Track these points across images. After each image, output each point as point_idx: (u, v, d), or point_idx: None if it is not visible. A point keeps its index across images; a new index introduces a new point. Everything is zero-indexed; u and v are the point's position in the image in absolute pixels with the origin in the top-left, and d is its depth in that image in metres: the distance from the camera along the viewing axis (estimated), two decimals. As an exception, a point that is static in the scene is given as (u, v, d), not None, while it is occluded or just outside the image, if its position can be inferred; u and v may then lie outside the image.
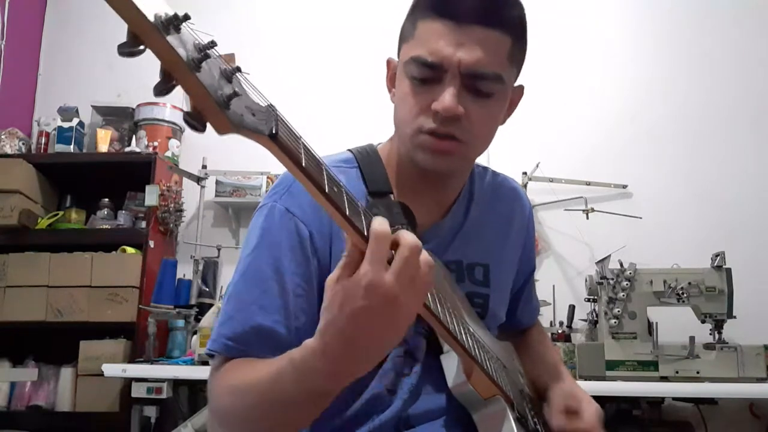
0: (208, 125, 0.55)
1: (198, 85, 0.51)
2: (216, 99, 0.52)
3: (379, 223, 0.67)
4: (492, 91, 0.96)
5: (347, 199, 0.68)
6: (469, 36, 0.92)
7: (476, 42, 0.92)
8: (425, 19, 0.95)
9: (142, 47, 0.48)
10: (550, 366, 1.19)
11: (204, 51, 0.51)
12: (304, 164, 0.63)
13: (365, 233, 0.68)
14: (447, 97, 0.92)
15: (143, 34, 0.47)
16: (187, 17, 0.49)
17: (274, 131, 0.59)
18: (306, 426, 0.85)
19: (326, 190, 0.65)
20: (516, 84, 1.04)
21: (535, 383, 1.18)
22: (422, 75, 0.95)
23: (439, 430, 0.99)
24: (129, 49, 0.47)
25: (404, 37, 1.00)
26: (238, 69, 0.55)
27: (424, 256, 0.69)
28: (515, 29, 0.97)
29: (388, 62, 1.07)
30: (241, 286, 0.94)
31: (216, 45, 0.52)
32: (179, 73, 0.50)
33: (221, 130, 0.55)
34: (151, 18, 0.47)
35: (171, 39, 0.48)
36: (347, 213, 0.67)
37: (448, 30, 0.93)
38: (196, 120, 0.53)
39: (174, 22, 0.48)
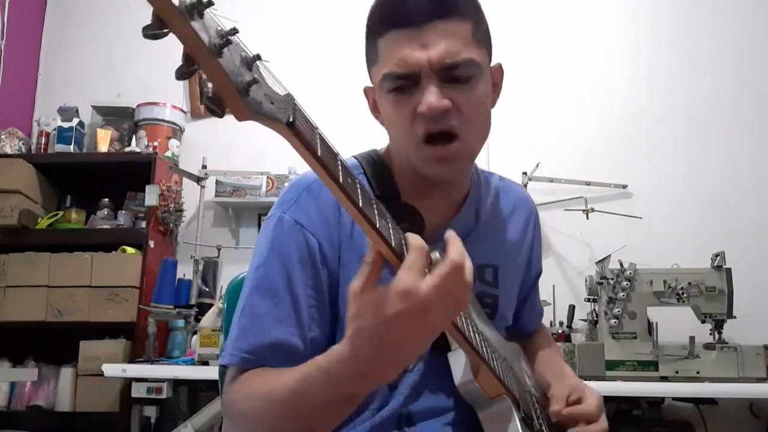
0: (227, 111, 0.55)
1: (219, 71, 0.52)
2: (236, 85, 0.53)
3: (417, 238, 0.71)
4: (469, 75, 0.95)
5: (361, 191, 0.69)
6: (430, 34, 0.92)
7: (439, 37, 0.92)
8: (383, 36, 0.96)
9: (166, 30, 0.49)
10: (555, 367, 1.20)
11: (226, 37, 0.52)
12: (319, 153, 0.63)
13: (376, 224, 0.69)
14: (429, 97, 0.92)
15: (168, 18, 0.48)
16: (210, 3, 0.49)
17: (291, 119, 0.59)
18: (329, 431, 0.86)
19: (340, 181, 0.66)
20: (492, 64, 1.04)
21: (540, 385, 1.18)
22: (398, 88, 0.95)
23: (443, 427, 0.98)
24: (153, 31, 0.48)
25: (371, 62, 1.01)
26: (259, 57, 0.56)
27: (467, 276, 0.72)
28: (471, 12, 0.97)
29: (366, 91, 1.08)
30: (254, 299, 0.94)
31: (238, 32, 0.53)
32: (201, 58, 0.51)
33: (240, 116, 0.56)
34: (176, 2, 0.47)
35: (195, 24, 0.49)
36: (360, 204, 0.68)
37: (408, 37, 0.93)
38: (216, 105, 0.53)
39: (198, 8, 0.49)
